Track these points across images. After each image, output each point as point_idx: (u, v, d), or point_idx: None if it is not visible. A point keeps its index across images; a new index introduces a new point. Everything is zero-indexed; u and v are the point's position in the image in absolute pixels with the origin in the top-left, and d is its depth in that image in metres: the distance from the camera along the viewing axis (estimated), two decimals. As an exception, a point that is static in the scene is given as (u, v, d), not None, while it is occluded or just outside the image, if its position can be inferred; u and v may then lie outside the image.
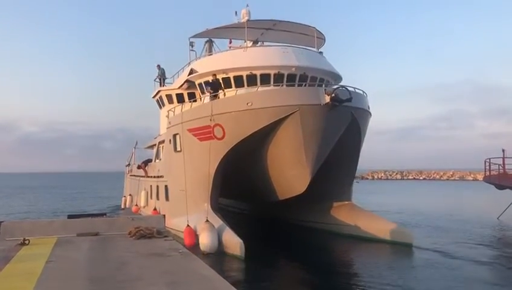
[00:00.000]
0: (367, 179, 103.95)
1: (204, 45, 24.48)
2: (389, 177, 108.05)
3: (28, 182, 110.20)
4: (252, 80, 18.19)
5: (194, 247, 15.55)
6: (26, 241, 6.78)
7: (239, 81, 18.38)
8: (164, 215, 8.92)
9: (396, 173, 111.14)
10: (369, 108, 17.64)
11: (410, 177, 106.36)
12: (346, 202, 18.79)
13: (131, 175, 30.51)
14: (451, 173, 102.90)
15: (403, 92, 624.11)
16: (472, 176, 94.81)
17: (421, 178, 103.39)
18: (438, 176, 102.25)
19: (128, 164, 33.60)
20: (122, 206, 30.66)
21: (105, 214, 11.39)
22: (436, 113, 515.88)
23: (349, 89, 15.62)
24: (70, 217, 8.95)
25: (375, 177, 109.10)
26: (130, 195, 29.42)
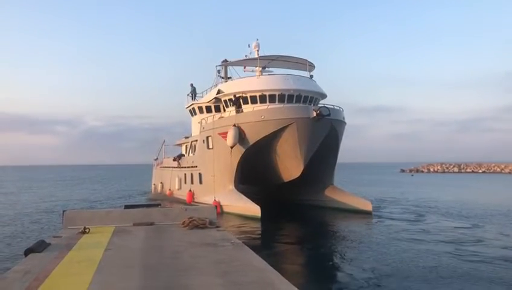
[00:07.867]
0: (422, 172, 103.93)
1: (221, 68, 33.18)
2: (446, 170, 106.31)
3: (90, 172, 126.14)
4: (263, 99, 27.12)
5: (219, 215, 24.16)
6: (87, 230, 7.29)
7: (254, 99, 27.34)
8: (216, 207, 9.92)
9: (454, 166, 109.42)
10: (344, 118, 25.57)
11: (468, 170, 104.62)
12: (330, 185, 27.59)
13: (161, 167, 37.92)
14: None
15: (469, 81, 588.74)
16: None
17: (480, 171, 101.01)
18: (498, 169, 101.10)
19: (157, 158, 40.89)
20: (153, 192, 38.30)
21: (159, 204, 12.40)
22: (503, 103, 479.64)
23: (329, 107, 24.03)
24: (127, 207, 9.64)
25: (431, 170, 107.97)
26: (161, 183, 36.49)
